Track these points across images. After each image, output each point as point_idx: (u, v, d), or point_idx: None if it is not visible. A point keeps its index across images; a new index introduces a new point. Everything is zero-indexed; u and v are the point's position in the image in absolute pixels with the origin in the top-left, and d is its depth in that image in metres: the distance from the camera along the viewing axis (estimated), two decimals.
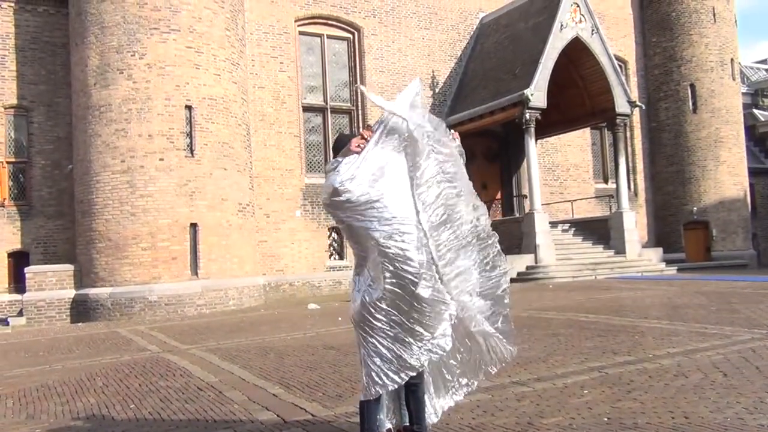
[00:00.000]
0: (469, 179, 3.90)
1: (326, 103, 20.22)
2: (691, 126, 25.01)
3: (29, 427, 5.03)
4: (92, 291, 15.22)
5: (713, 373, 5.41)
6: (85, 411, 5.45)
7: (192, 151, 15.48)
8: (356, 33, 20.61)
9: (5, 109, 16.91)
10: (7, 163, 16.91)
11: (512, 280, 17.58)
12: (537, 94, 18.27)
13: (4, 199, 16.69)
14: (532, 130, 18.68)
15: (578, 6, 18.89)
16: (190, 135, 15.53)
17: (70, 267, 15.74)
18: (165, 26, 15.35)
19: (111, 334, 11.91)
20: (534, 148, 19.06)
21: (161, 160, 15.15)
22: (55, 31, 17.28)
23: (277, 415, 4.83)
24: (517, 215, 21.43)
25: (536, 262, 18.23)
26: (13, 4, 16.99)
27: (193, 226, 15.37)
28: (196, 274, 15.35)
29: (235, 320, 12.84)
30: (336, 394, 5.47)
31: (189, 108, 15.49)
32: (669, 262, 21.07)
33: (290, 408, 5.04)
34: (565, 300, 12.23)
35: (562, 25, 18.62)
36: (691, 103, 25.03)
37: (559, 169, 23.84)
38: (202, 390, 5.96)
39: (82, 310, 15.31)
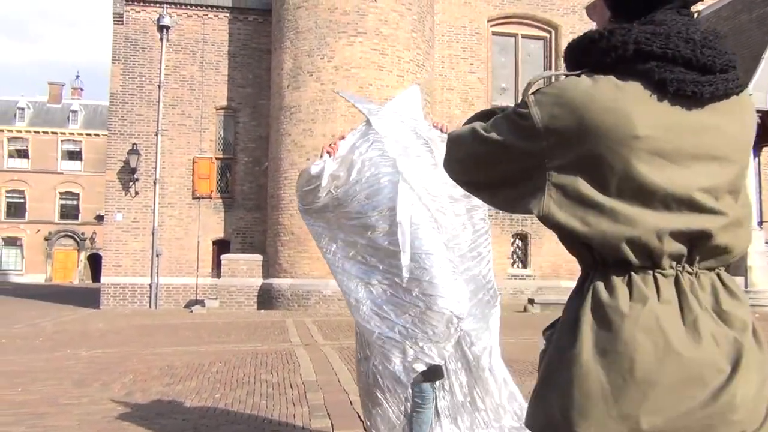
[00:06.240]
0: None
1: None
2: None
3: (119, 402, 5.30)
4: (276, 281, 16.14)
5: None
6: (174, 395, 5.64)
7: None
8: (553, 32, 19.61)
9: (217, 110, 18.58)
10: (216, 159, 18.57)
11: None
12: (758, 94, 15.89)
13: (212, 191, 18.34)
14: None
15: None
16: None
17: (259, 257, 16.85)
18: (352, 29, 15.80)
19: (278, 323, 12.50)
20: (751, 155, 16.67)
21: None
22: (261, 37, 18.62)
23: (331, 424, 4.57)
24: None
25: (746, 287, 15.90)
26: (228, 15, 18.62)
27: None
28: None
29: None
30: None
31: None
32: None
33: (351, 418, 4.75)
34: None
35: None
36: None
37: None
38: (291, 388, 5.90)
39: (266, 298, 16.30)
